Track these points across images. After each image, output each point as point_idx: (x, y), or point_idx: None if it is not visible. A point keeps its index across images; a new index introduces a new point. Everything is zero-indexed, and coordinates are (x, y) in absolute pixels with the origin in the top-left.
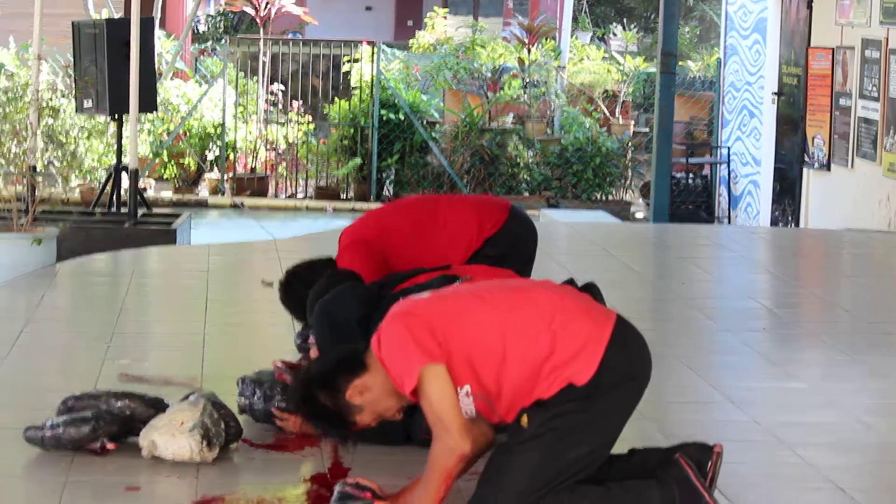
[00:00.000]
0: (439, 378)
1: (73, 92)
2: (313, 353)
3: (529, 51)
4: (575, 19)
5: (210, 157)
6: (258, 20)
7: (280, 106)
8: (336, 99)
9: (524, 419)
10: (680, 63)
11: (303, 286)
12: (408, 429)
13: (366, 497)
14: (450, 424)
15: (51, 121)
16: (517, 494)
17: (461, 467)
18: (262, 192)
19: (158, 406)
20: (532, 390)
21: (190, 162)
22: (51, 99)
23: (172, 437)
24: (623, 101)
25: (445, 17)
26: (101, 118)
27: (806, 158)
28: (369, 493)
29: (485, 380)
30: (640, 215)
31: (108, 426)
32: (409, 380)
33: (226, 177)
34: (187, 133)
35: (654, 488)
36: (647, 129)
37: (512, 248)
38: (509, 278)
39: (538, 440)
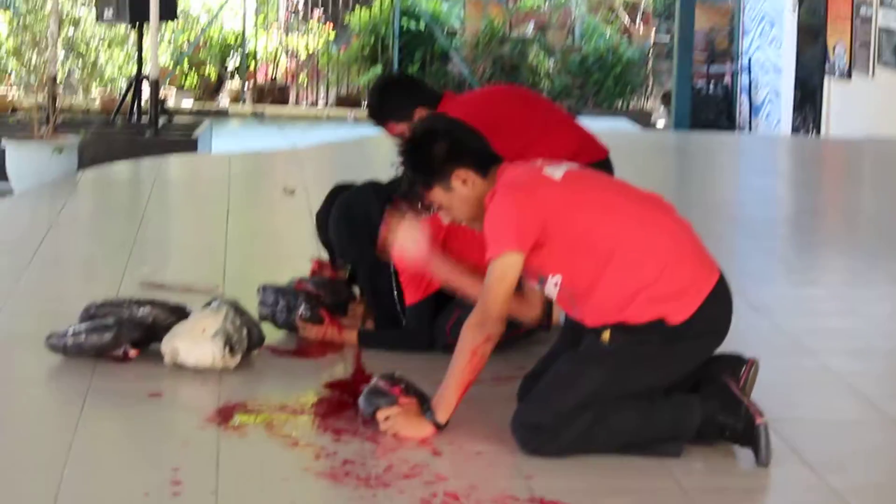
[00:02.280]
0: (513, 267)
1: (94, 1)
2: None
3: None
4: None
5: (230, 66)
6: None
7: (300, 14)
8: (357, 7)
9: (606, 335)
10: None
11: (401, 92)
12: (432, 334)
13: (393, 392)
14: (493, 305)
15: (71, 31)
16: (577, 401)
17: (486, 349)
18: (283, 101)
19: (180, 313)
20: (622, 310)
21: (210, 71)
22: (71, 8)
23: (195, 343)
24: (644, 10)
25: None
26: (122, 27)
27: (827, 67)
28: (399, 388)
29: (579, 277)
30: (661, 123)
31: (130, 333)
32: (492, 251)
33: (246, 86)
34: (207, 42)
35: (696, 399)
36: (667, 38)
37: None
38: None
39: (614, 359)
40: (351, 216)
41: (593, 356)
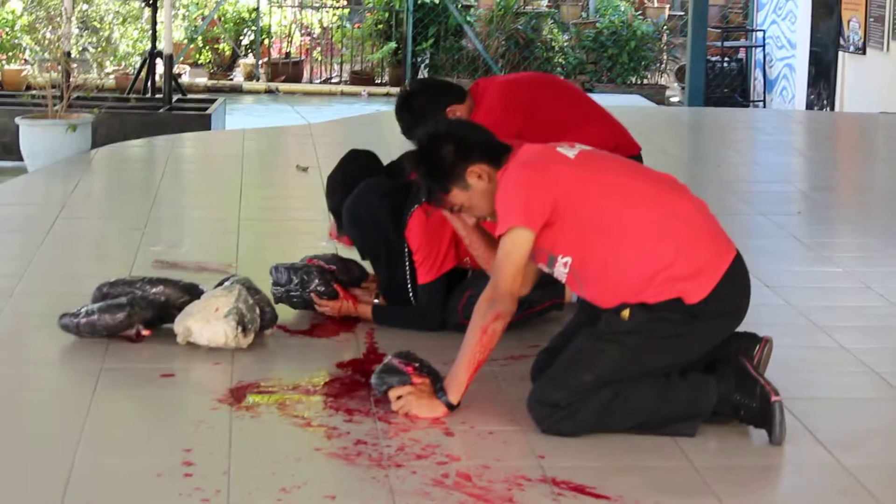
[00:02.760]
0: (522, 241)
1: None
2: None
3: None
4: None
5: (245, 42)
6: None
7: None
8: None
9: (626, 312)
10: None
11: (426, 102)
12: (444, 314)
13: (407, 371)
14: (502, 281)
15: (85, 6)
16: (595, 378)
17: (496, 327)
18: (297, 77)
19: (193, 292)
20: (640, 291)
21: (224, 47)
22: None
23: (207, 323)
24: None
25: None
26: (136, 3)
27: (841, 42)
28: (412, 366)
29: (590, 258)
30: (675, 99)
31: (142, 312)
32: (500, 226)
33: (260, 62)
34: (222, 18)
35: (712, 379)
36: (682, 13)
37: None
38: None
39: (634, 336)
40: (358, 221)
41: (612, 333)
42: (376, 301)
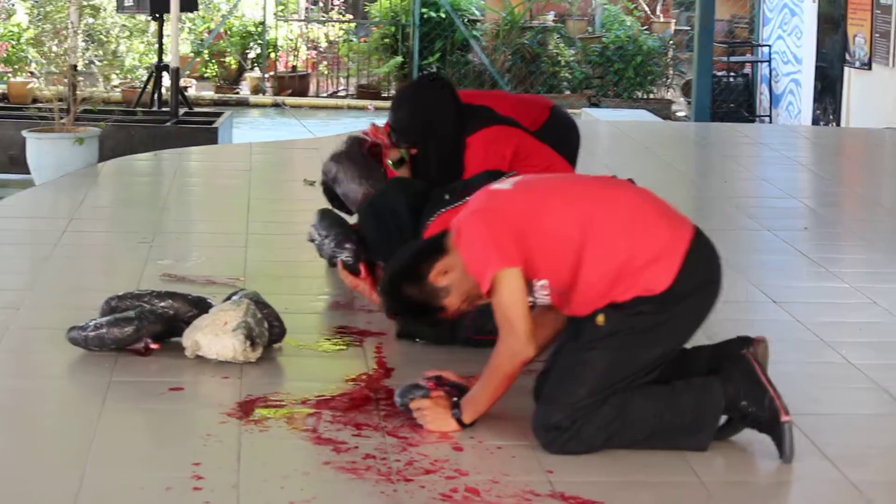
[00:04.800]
0: (513, 282)
1: None
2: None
3: None
4: None
5: (251, 55)
6: None
7: (321, 4)
8: None
9: (600, 318)
10: None
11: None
12: (453, 329)
13: (428, 386)
14: (518, 329)
15: (91, 20)
16: (590, 391)
17: (521, 368)
18: (304, 91)
19: (201, 306)
20: (608, 292)
21: (231, 61)
22: None
23: (216, 336)
24: None
25: None
26: (142, 17)
27: (847, 57)
28: (433, 382)
29: (562, 273)
30: (681, 114)
31: (151, 326)
32: (483, 282)
33: (267, 76)
34: (228, 32)
35: (717, 382)
36: (688, 28)
37: (553, 147)
38: (575, 172)
39: (615, 338)
40: (379, 217)
41: (592, 341)
42: None
